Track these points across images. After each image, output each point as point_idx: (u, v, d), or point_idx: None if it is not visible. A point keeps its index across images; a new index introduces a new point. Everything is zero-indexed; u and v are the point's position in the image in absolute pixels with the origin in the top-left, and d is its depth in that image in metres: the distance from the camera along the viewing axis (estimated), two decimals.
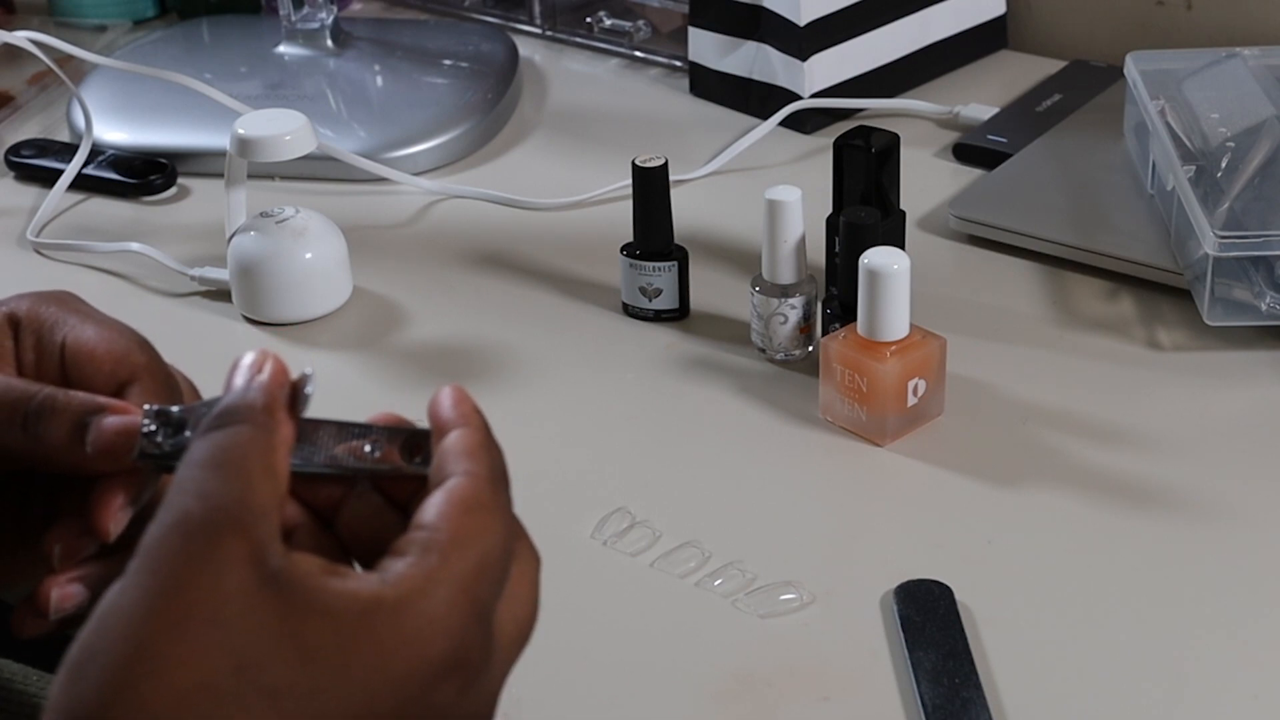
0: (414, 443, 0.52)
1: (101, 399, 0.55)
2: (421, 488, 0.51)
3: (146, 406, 0.53)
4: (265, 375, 0.50)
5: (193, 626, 0.44)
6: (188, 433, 0.52)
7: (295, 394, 0.51)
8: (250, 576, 0.45)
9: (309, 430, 0.52)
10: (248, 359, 0.51)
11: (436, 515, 0.48)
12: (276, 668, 0.45)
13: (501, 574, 0.49)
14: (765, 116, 1.13)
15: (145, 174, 1.11)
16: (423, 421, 0.53)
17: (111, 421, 0.54)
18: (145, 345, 0.59)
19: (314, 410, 0.52)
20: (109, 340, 0.58)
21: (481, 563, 0.48)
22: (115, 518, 0.54)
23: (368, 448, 0.52)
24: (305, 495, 0.52)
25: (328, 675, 0.45)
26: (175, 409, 0.53)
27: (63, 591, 0.54)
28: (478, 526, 0.48)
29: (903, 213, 0.92)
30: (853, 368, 0.81)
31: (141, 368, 0.58)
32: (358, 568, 0.49)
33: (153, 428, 0.52)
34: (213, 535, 0.45)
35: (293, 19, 1.22)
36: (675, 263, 0.92)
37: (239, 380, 0.51)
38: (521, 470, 0.82)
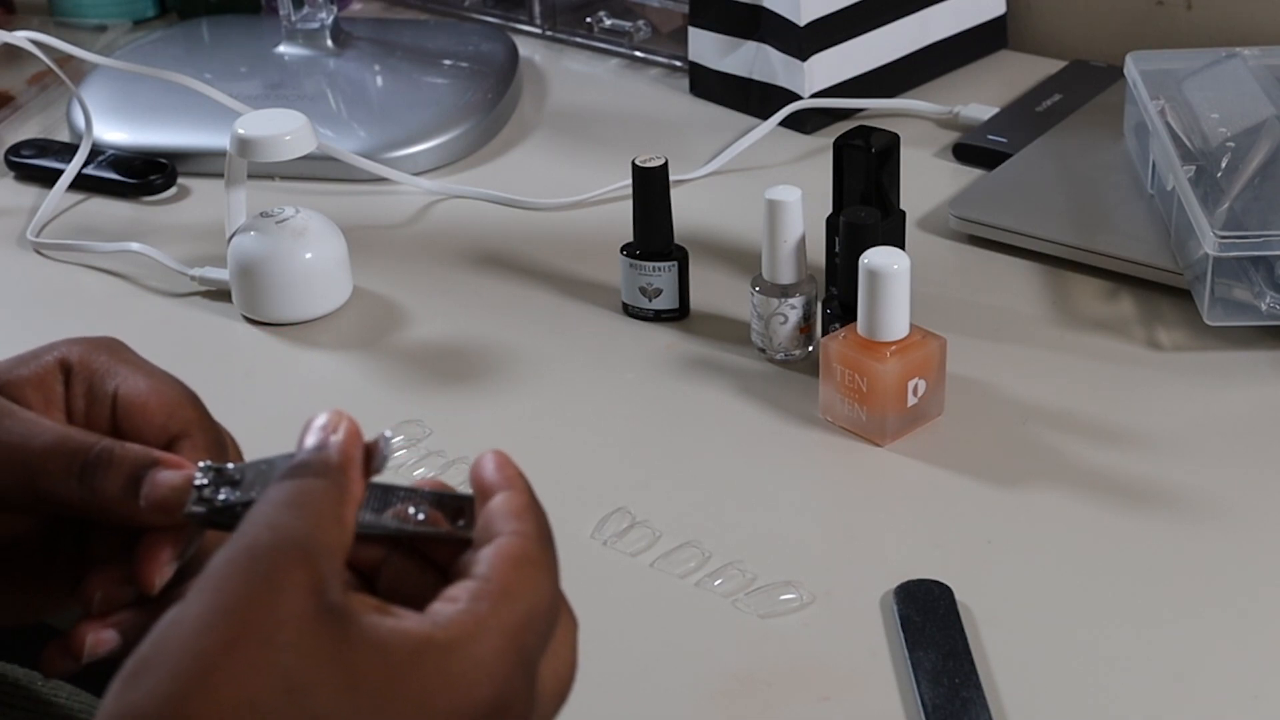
0: (458, 507, 0.54)
1: (156, 453, 0.56)
2: (462, 550, 0.52)
3: (201, 463, 0.55)
4: (340, 435, 0.52)
5: (248, 645, 0.45)
6: (238, 491, 0.54)
7: (370, 455, 0.53)
8: (309, 604, 0.46)
9: None
10: (321, 419, 0.53)
11: (487, 567, 0.50)
12: (324, 694, 0.46)
13: (547, 630, 0.51)
14: (765, 116, 1.13)
15: (145, 174, 1.11)
16: (464, 487, 0.55)
17: (166, 476, 0.55)
18: (195, 399, 0.60)
19: (317, 409, 0.53)
20: (161, 393, 0.59)
21: (530, 615, 0.49)
22: (161, 571, 0.55)
23: (412, 510, 0.53)
24: (350, 554, 0.53)
25: (373, 707, 0.46)
26: (230, 466, 0.54)
27: (97, 637, 0.55)
28: (527, 581, 0.50)
29: (903, 213, 0.92)
30: (853, 368, 0.81)
31: (193, 422, 0.58)
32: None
33: (205, 482, 0.54)
34: (278, 561, 0.47)
35: (293, 19, 1.22)
36: (675, 263, 0.92)
37: (310, 440, 0.52)
38: (521, 470, 0.82)
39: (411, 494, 0.54)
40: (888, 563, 0.74)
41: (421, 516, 0.53)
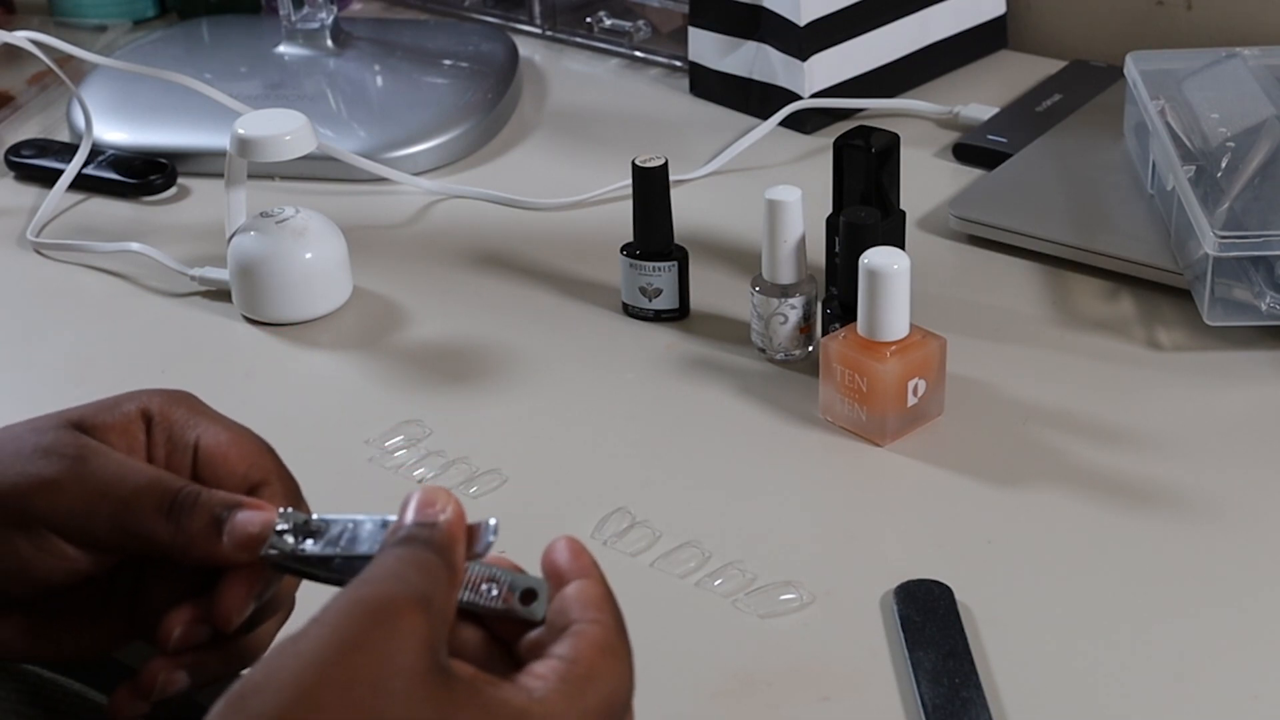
0: (530, 590, 0.55)
1: (239, 496, 0.59)
2: (526, 630, 0.55)
3: (282, 510, 0.57)
4: (449, 515, 0.54)
5: (358, 687, 0.47)
6: (319, 543, 0.56)
7: (472, 538, 0.54)
8: (422, 658, 0.48)
9: None
10: (423, 495, 0.54)
11: (572, 650, 0.52)
12: None
13: (623, 715, 0.53)
14: (765, 116, 1.13)
15: (145, 174, 1.11)
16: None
17: (249, 516, 0.57)
18: (273, 451, 0.62)
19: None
20: (241, 444, 0.61)
21: (610, 700, 0.52)
22: (239, 611, 0.58)
23: (484, 586, 0.55)
24: None
25: None
26: (313, 517, 0.57)
27: (169, 676, 0.58)
28: (610, 669, 0.52)
29: (903, 213, 0.92)
30: (853, 368, 0.81)
31: (272, 472, 0.61)
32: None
33: (286, 528, 0.56)
34: (401, 610, 0.49)
35: (293, 19, 1.22)
36: (675, 263, 0.92)
37: (412, 515, 0.54)
38: (522, 470, 0.82)
39: (486, 570, 0.55)
40: (888, 563, 0.74)
41: (494, 593, 0.55)
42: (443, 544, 0.53)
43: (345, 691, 0.47)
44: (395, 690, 0.47)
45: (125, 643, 0.62)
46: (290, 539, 0.56)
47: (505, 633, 0.56)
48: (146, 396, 0.62)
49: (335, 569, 0.55)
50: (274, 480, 0.61)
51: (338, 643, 0.47)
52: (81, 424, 0.60)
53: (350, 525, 0.56)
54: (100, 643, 0.62)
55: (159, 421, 0.61)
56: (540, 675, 0.51)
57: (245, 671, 0.49)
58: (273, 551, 0.56)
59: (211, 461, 0.61)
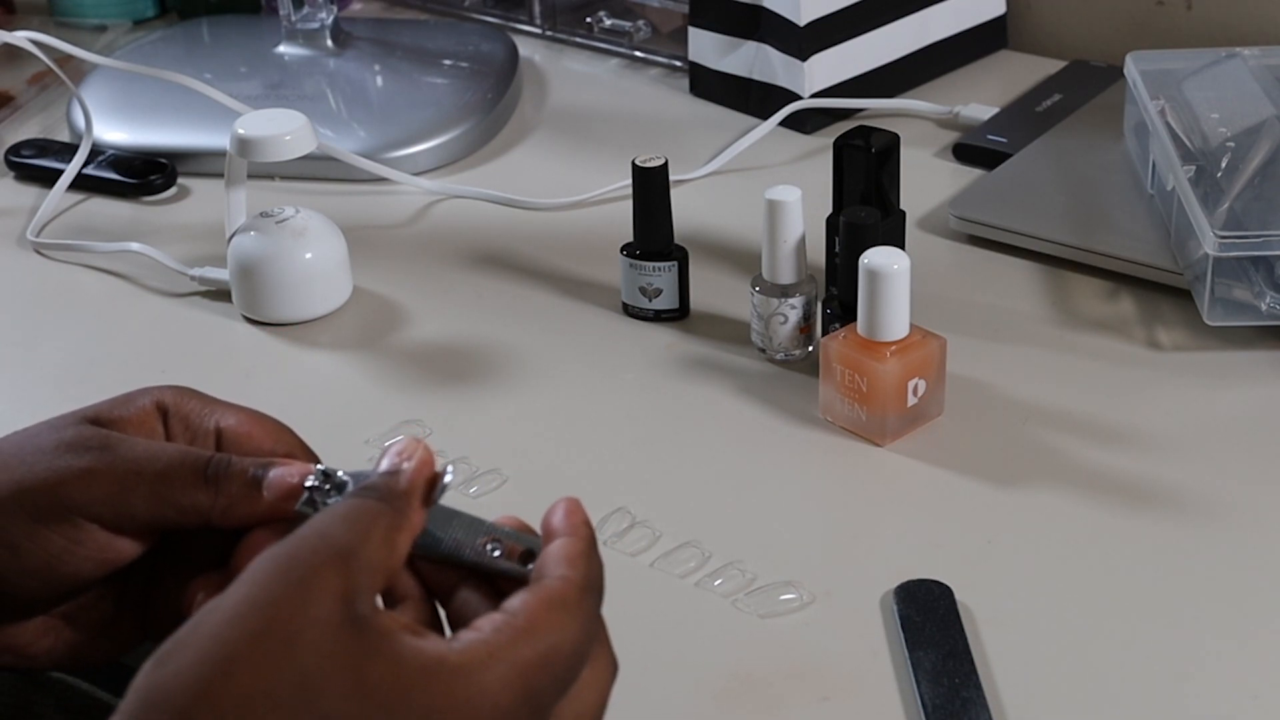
0: (530, 551, 0.57)
1: (270, 458, 0.60)
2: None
3: (316, 466, 0.59)
4: (412, 464, 0.56)
5: (271, 640, 0.49)
6: (344, 495, 0.57)
7: (432, 486, 0.56)
8: (335, 610, 0.50)
9: (444, 519, 0.57)
10: (398, 445, 0.56)
11: (520, 604, 0.53)
12: (334, 695, 0.49)
13: (567, 674, 0.53)
14: (765, 116, 1.13)
15: (145, 174, 1.11)
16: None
17: (284, 470, 0.59)
18: (290, 429, 0.64)
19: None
20: (261, 423, 0.63)
21: (546, 655, 0.52)
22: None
23: (489, 546, 0.57)
24: (427, 574, 0.57)
25: (378, 714, 0.49)
26: (340, 472, 0.58)
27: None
28: (553, 623, 0.52)
29: (903, 213, 0.92)
30: (853, 368, 0.81)
31: (296, 445, 0.63)
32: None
33: (316, 484, 0.58)
34: (314, 565, 0.50)
35: (293, 19, 1.22)
36: (675, 263, 0.92)
37: (385, 463, 0.56)
38: (522, 470, 0.82)
39: (494, 530, 0.57)
40: (888, 563, 0.74)
41: (498, 553, 0.56)
42: (395, 491, 0.55)
43: (258, 645, 0.48)
44: (307, 640, 0.49)
45: (138, 644, 0.63)
46: (320, 494, 0.58)
47: (511, 593, 0.56)
48: (157, 391, 0.63)
49: None
50: (299, 453, 0.62)
51: (252, 599, 0.49)
52: (99, 419, 0.62)
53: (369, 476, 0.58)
54: (116, 645, 0.63)
55: (174, 413, 0.63)
56: (476, 627, 0.52)
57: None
58: (305, 509, 0.58)
59: (236, 441, 0.62)
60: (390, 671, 0.49)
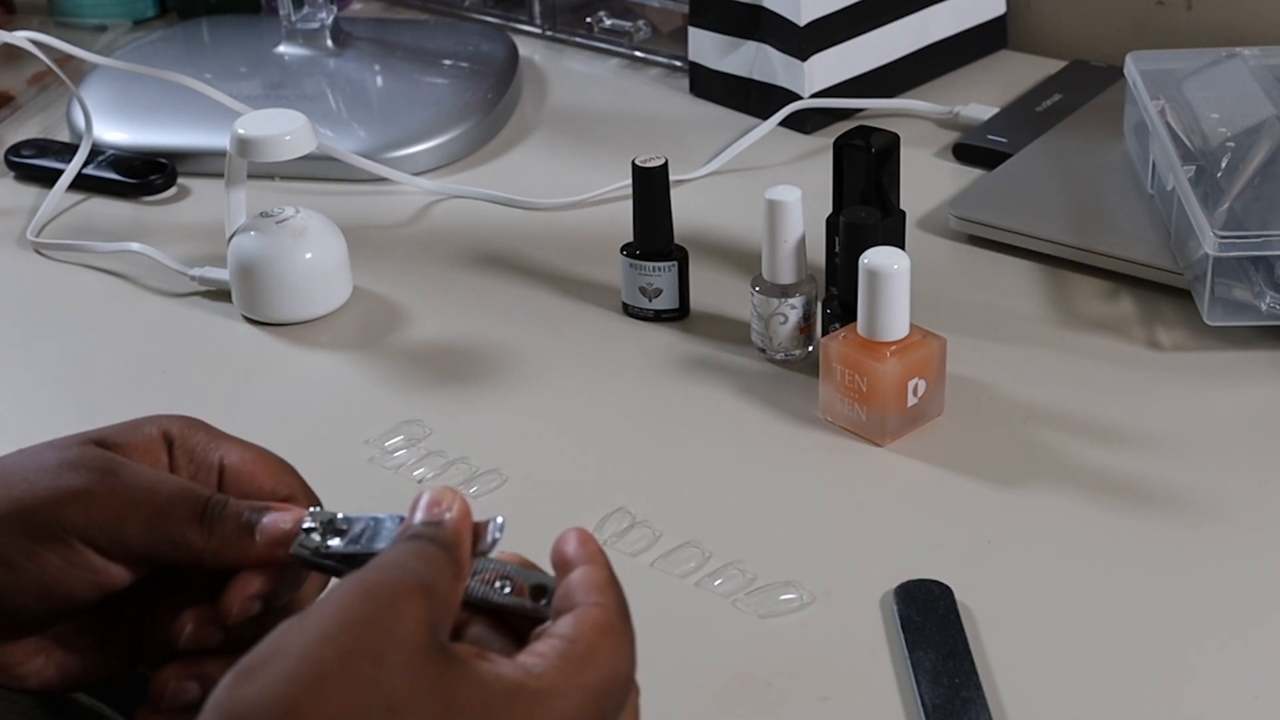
0: (540, 586, 0.57)
1: (266, 502, 0.60)
2: (537, 624, 0.56)
3: (311, 509, 0.59)
4: (455, 514, 0.56)
5: (361, 661, 0.48)
6: (344, 540, 0.58)
7: (478, 536, 0.56)
8: (421, 635, 0.50)
9: None
10: (432, 495, 0.56)
11: (573, 630, 0.53)
12: (423, 717, 0.49)
13: (624, 697, 0.54)
14: (765, 116, 1.13)
15: (145, 174, 1.11)
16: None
17: (279, 515, 0.59)
18: (294, 469, 0.64)
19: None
20: (266, 461, 0.63)
21: (610, 680, 0.53)
22: (242, 604, 0.59)
23: (498, 583, 0.57)
24: None
25: None
26: (339, 515, 0.58)
27: (180, 685, 0.59)
28: (610, 648, 0.53)
29: (903, 213, 0.92)
30: (853, 368, 0.81)
31: (298, 487, 0.63)
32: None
33: (313, 526, 0.58)
34: (402, 592, 0.51)
35: (293, 19, 1.22)
36: (675, 263, 0.92)
37: (422, 514, 0.56)
38: (522, 470, 0.82)
39: (500, 567, 0.57)
40: (888, 563, 0.74)
41: (507, 590, 0.57)
42: (448, 540, 0.55)
43: (347, 664, 0.48)
44: (394, 663, 0.49)
45: (128, 670, 0.63)
46: (318, 536, 0.58)
47: (520, 629, 0.57)
48: (165, 420, 0.63)
49: (359, 564, 0.56)
50: (300, 495, 0.62)
51: (340, 619, 0.49)
52: (104, 442, 0.61)
53: (372, 523, 0.58)
54: (105, 669, 0.62)
55: (180, 444, 0.63)
56: (540, 653, 0.52)
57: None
58: (301, 551, 0.58)
59: (239, 478, 0.62)
60: (476, 695, 0.50)
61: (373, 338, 0.94)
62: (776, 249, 0.86)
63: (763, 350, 0.89)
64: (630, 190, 0.92)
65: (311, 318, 0.96)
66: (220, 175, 0.96)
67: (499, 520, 0.57)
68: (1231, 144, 0.92)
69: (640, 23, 1.29)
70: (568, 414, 0.87)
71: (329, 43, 1.23)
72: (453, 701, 0.49)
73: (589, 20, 1.30)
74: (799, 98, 1.14)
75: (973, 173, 1.08)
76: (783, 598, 0.73)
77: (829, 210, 0.91)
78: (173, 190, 1.12)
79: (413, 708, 0.48)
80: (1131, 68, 1.01)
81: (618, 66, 1.29)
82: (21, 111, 1.24)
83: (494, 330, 0.94)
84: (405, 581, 0.51)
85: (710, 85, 1.20)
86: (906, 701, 0.67)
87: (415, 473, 0.82)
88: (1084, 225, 0.98)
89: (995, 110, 1.14)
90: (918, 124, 1.15)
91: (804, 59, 1.13)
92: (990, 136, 1.10)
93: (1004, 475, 0.80)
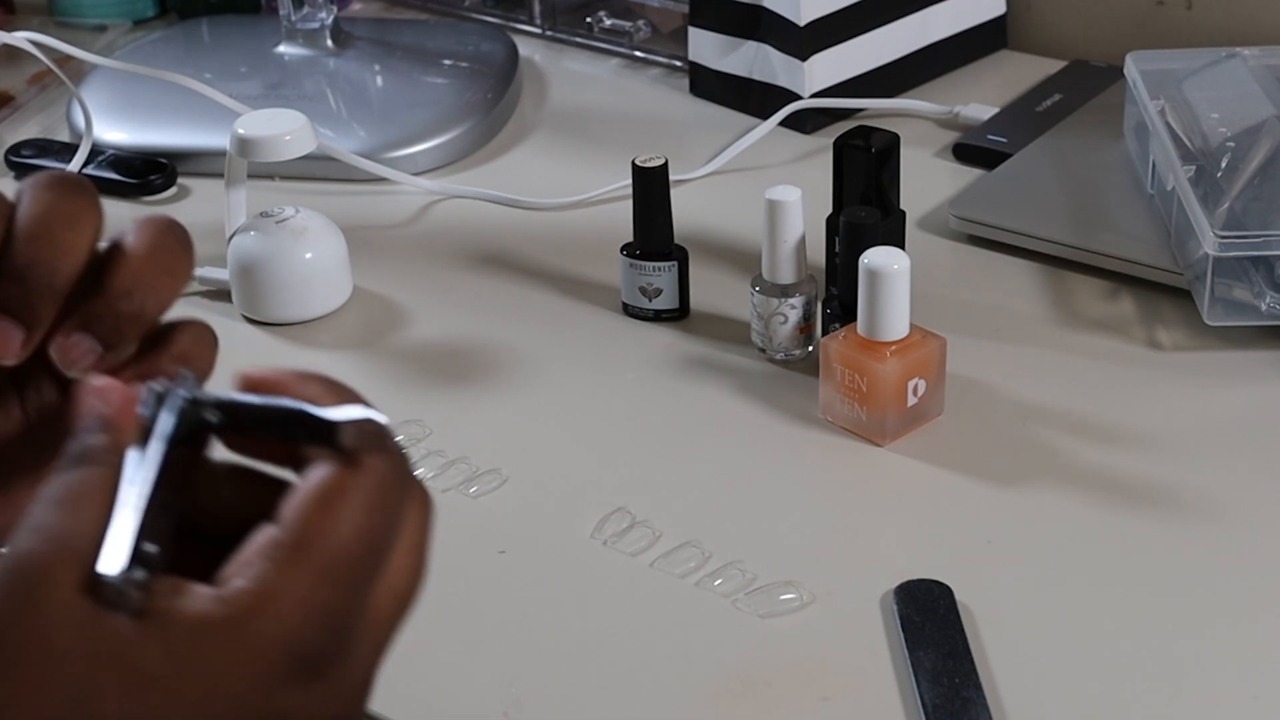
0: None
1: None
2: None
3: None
4: (109, 410, 0.48)
5: (26, 665, 0.43)
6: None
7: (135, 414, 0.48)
8: (82, 605, 0.44)
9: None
10: (93, 386, 0.49)
11: (290, 512, 0.46)
12: (113, 696, 0.43)
13: (368, 561, 0.46)
14: (765, 116, 1.13)
15: (145, 174, 1.11)
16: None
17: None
18: (214, 332, 0.58)
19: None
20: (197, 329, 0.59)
21: (331, 564, 0.45)
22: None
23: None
24: (252, 453, 0.51)
25: (164, 699, 0.44)
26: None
27: (65, 341, 0.52)
28: (328, 524, 0.46)
29: (903, 213, 0.92)
30: (853, 367, 0.81)
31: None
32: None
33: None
34: (42, 568, 0.44)
35: (293, 19, 1.22)
36: (675, 263, 0.92)
37: (87, 421, 0.48)
38: (522, 470, 0.82)
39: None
40: (888, 563, 0.74)
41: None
42: (108, 447, 0.47)
43: (13, 675, 0.43)
44: (62, 650, 0.43)
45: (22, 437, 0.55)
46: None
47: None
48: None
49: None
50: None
51: None
52: None
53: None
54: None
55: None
56: (247, 561, 0.45)
57: None
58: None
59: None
60: (160, 650, 0.44)
61: (373, 338, 0.94)
62: (776, 249, 0.86)
63: (763, 350, 0.89)
64: (630, 190, 0.92)
65: (311, 318, 0.96)
66: (220, 175, 0.96)
67: (154, 386, 0.49)
68: (1231, 144, 0.92)
69: (640, 23, 1.29)
70: (568, 414, 0.87)
71: (329, 43, 1.23)
72: (139, 666, 0.43)
73: (589, 20, 1.30)
74: (799, 98, 1.14)
75: (973, 173, 1.08)
76: (783, 598, 0.73)
77: (829, 210, 0.91)
78: (173, 190, 1.12)
79: (100, 690, 0.43)
80: (1131, 68, 1.01)
81: (618, 66, 1.29)
82: (21, 111, 1.24)
83: (494, 330, 0.94)
84: (45, 550, 0.44)
85: (710, 85, 1.20)
86: (906, 701, 0.67)
87: (415, 473, 0.82)
88: (1084, 225, 0.98)
89: (995, 110, 1.14)
90: (918, 124, 1.15)
91: (804, 59, 1.13)
92: (990, 136, 1.10)
93: (1004, 475, 0.80)
